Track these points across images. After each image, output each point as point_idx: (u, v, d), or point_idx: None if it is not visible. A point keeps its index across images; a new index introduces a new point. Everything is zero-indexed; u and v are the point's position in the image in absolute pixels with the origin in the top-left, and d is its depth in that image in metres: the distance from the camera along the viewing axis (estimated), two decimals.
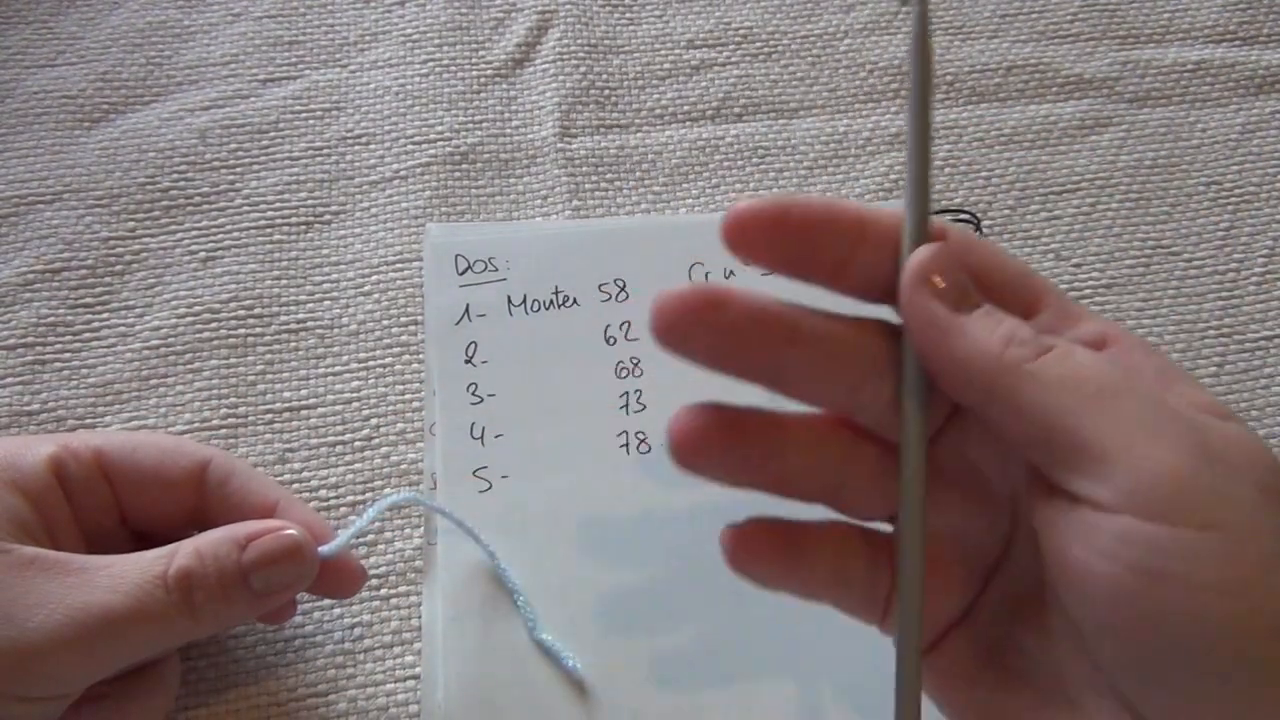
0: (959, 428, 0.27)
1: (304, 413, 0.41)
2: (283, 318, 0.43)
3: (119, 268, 0.44)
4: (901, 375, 0.25)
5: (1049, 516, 0.23)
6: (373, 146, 0.48)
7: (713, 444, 0.25)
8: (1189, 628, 0.21)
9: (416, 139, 0.48)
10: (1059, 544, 0.23)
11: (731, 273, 0.43)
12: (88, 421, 0.40)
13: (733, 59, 0.52)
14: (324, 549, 0.33)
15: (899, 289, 0.24)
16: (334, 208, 0.46)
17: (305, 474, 0.40)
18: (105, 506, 0.33)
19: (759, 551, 0.26)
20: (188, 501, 0.34)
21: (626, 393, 0.41)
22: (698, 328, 0.23)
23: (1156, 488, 0.21)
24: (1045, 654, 0.25)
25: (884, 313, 0.25)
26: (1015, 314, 0.24)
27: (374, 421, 0.41)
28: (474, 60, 0.51)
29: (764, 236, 0.24)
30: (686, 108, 0.50)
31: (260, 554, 0.31)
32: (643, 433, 0.40)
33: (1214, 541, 0.21)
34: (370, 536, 0.38)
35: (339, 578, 0.34)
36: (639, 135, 0.49)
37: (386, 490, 0.39)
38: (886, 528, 0.27)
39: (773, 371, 0.25)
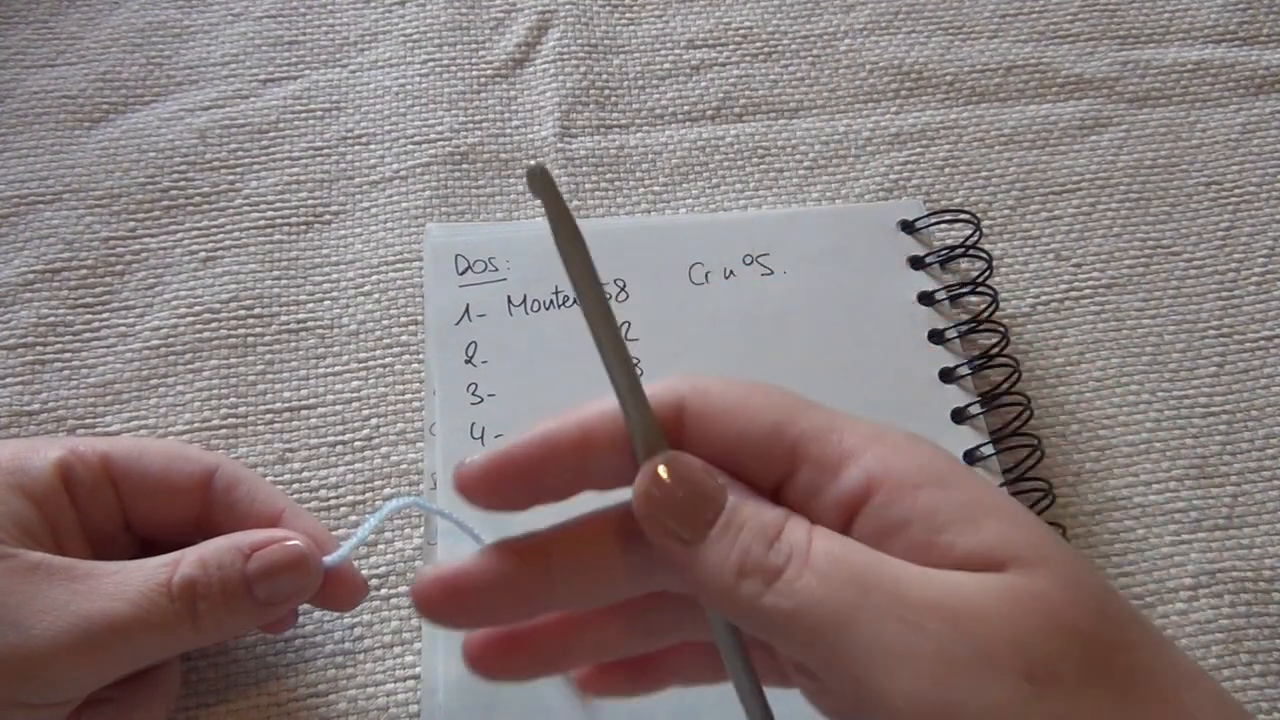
0: None
1: (304, 413, 0.41)
2: (283, 318, 0.43)
3: (119, 268, 0.44)
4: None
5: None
6: (373, 146, 0.48)
7: (508, 657, 0.27)
8: None
9: (416, 139, 0.48)
10: None
11: (732, 273, 0.43)
12: (87, 421, 0.40)
13: (733, 59, 0.52)
14: (327, 559, 0.33)
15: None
16: (334, 208, 0.46)
17: (305, 474, 0.40)
18: (111, 512, 0.33)
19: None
20: (193, 508, 0.34)
21: None
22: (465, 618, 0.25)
23: None
24: None
25: None
26: (773, 479, 0.24)
27: (374, 421, 0.41)
28: (474, 60, 0.51)
29: (490, 491, 0.25)
30: (686, 108, 0.50)
31: (264, 564, 0.31)
32: None
33: None
34: (370, 536, 0.38)
35: (340, 590, 0.34)
36: (639, 135, 0.49)
37: (386, 490, 0.39)
38: None
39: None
